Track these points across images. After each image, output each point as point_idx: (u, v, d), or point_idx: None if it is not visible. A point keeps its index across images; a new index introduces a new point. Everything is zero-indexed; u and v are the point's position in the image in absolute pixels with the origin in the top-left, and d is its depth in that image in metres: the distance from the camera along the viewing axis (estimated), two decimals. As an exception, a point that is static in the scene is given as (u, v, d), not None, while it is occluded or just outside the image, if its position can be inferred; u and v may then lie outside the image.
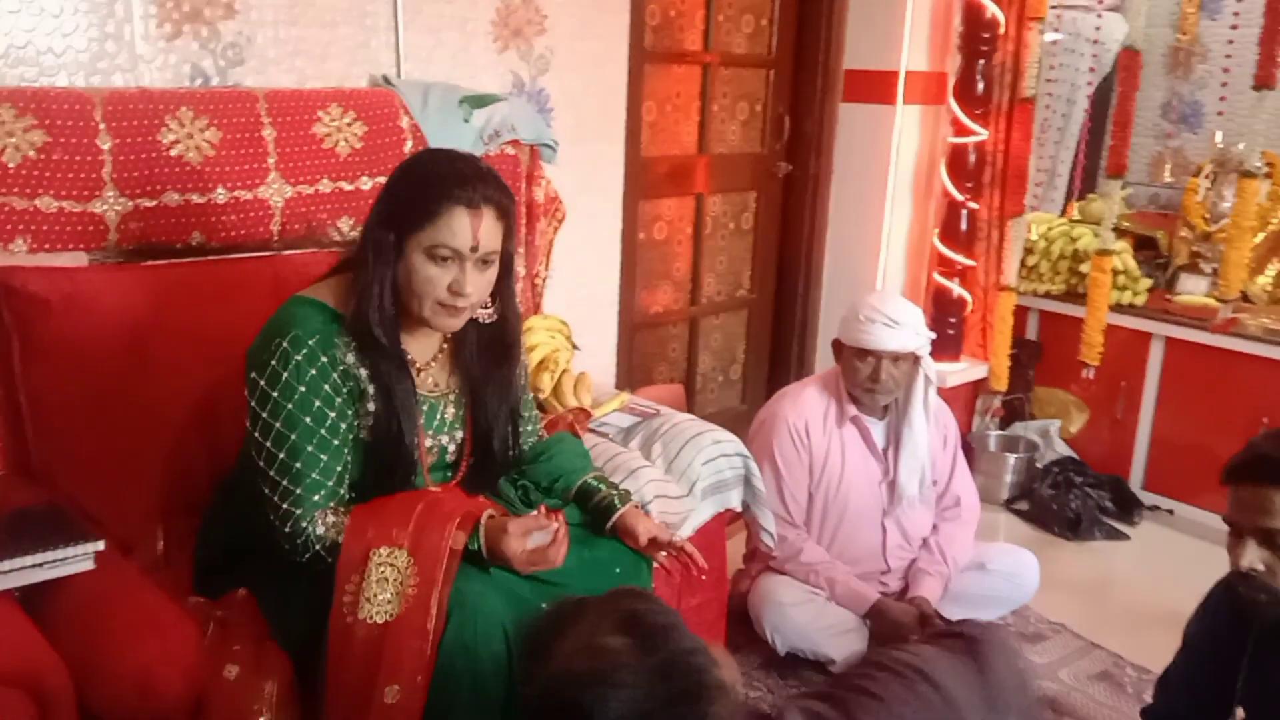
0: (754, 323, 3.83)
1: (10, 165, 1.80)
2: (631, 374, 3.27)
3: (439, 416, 1.71)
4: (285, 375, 1.55)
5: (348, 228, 2.22)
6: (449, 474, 1.77)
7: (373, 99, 2.29)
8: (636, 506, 1.81)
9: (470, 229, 1.55)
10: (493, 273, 1.63)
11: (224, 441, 1.86)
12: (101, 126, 1.90)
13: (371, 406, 1.62)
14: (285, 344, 1.55)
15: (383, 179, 2.18)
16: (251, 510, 1.63)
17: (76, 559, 1.51)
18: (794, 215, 3.76)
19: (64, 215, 1.87)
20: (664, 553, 1.79)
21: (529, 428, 1.89)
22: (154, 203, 1.97)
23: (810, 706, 1.24)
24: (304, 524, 1.56)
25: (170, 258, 1.99)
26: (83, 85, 2.01)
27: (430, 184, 1.56)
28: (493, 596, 1.51)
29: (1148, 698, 2.15)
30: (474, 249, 1.56)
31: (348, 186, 2.22)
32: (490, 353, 1.72)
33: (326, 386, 1.57)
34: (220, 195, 2.04)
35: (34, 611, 1.49)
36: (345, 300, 1.61)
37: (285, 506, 1.56)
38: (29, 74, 1.98)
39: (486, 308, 1.67)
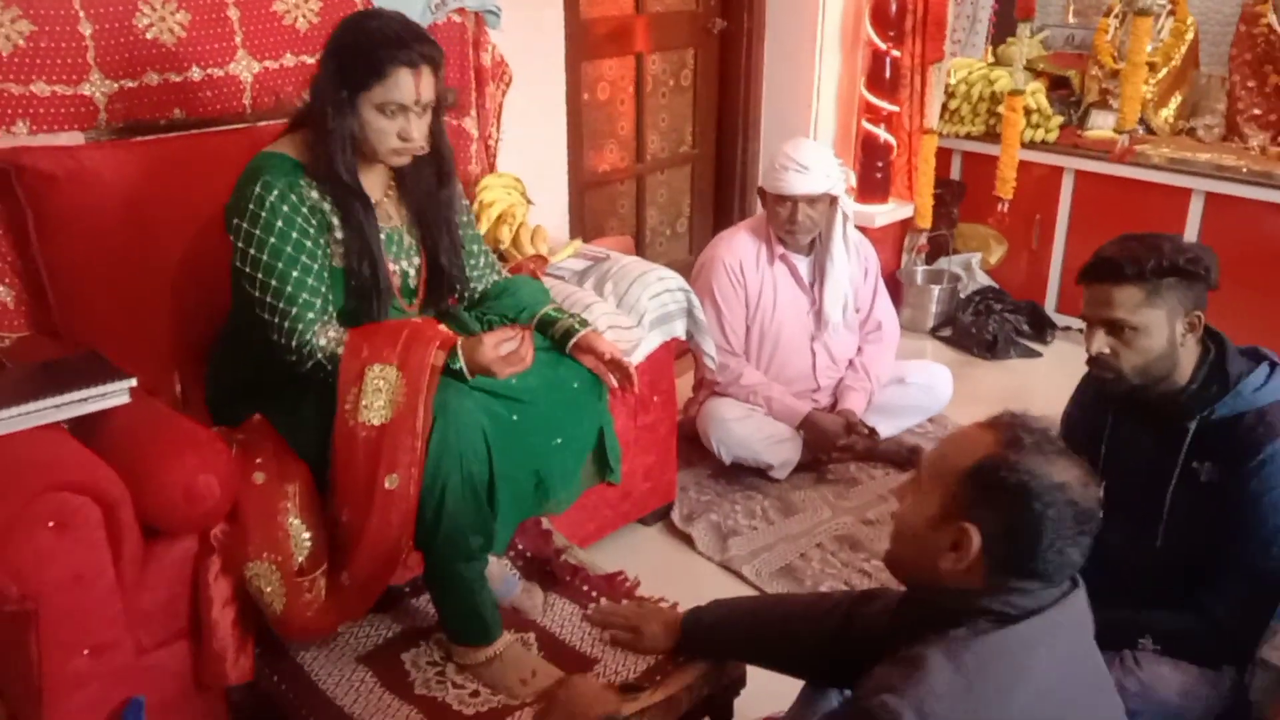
0: (697, 177, 4.06)
1: (3, 54, 1.97)
2: (585, 232, 3.51)
3: (396, 244, 1.96)
4: (263, 214, 1.77)
5: (313, 99, 2.42)
6: (412, 298, 2.02)
7: (325, -26, 2.45)
8: (595, 331, 2.09)
9: (413, 86, 1.79)
10: (429, 115, 1.87)
11: (220, 294, 2.08)
12: (80, 14, 2.06)
13: (340, 235, 1.85)
14: (258, 189, 1.78)
15: None
16: (251, 348, 1.88)
17: (116, 393, 1.77)
18: (730, 71, 3.95)
19: (57, 99, 2.05)
20: (616, 376, 2.07)
21: (487, 270, 2.14)
22: (136, 83, 2.15)
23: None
24: (307, 336, 1.80)
25: (155, 133, 2.18)
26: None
27: (375, 48, 1.78)
28: (470, 403, 1.79)
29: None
30: (417, 102, 1.81)
31: (309, 60, 2.39)
32: (430, 179, 1.97)
33: (299, 219, 1.80)
34: (195, 73, 2.23)
35: (82, 442, 1.76)
36: (304, 151, 1.83)
37: (285, 325, 1.80)
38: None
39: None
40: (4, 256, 2.04)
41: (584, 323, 2.06)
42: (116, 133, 2.14)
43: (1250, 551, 1.82)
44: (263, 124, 2.31)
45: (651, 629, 1.87)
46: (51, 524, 1.58)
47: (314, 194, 1.83)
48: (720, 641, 1.82)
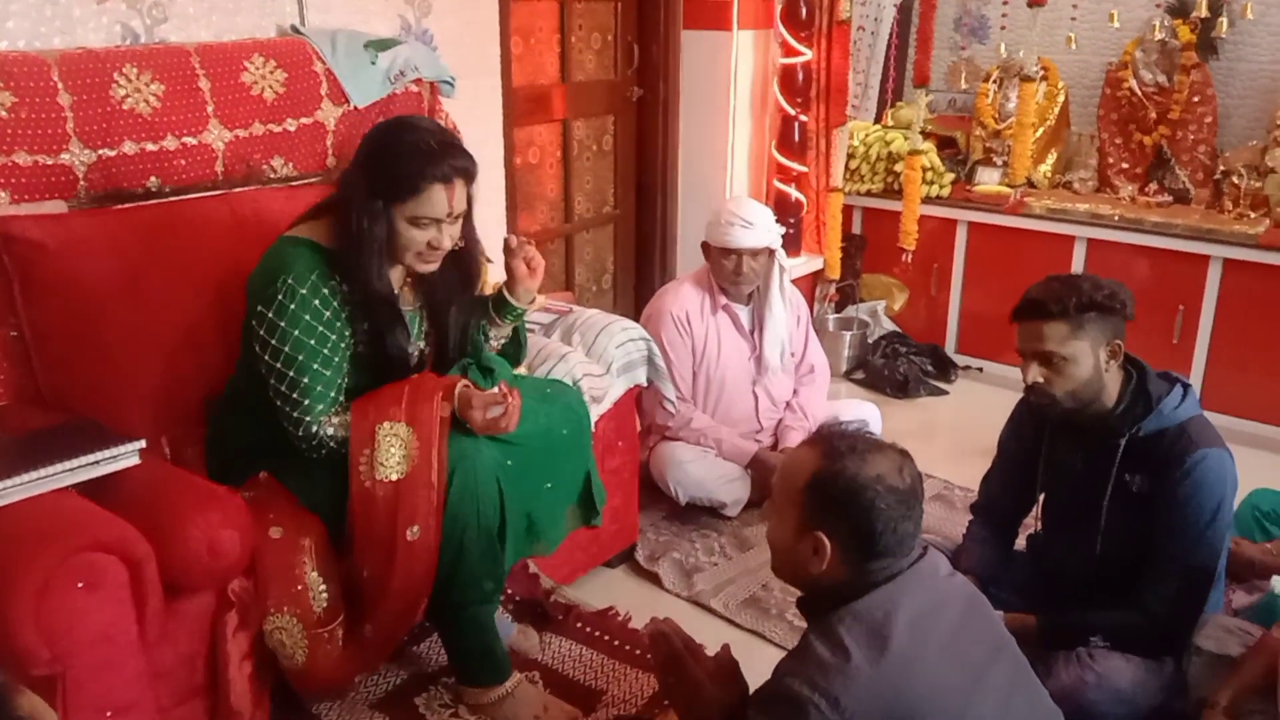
0: (620, 236, 4.23)
1: (-13, 125, 2.00)
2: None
3: (414, 328, 2.04)
4: (291, 307, 1.82)
5: (280, 165, 2.48)
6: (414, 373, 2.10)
7: (289, 48, 2.53)
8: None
9: (446, 201, 1.85)
10: (460, 222, 1.94)
11: (208, 358, 2.14)
12: (60, 85, 2.09)
13: (365, 326, 1.91)
14: (290, 280, 1.82)
15: (305, 120, 2.52)
16: (257, 418, 1.93)
17: (126, 455, 1.79)
18: (648, 136, 4.15)
19: (39, 168, 2.07)
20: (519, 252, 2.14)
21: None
22: (114, 152, 2.18)
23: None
24: (314, 428, 1.86)
25: (133, 201, 2.21)
26: (25, 49, 2.19)
27: (409, 161, 1.82)
28: (485, 451, 1.88)
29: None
30: (449, 215, 1.87)
31: (276, 129, 2.47)
32: (455, 276, 2.04)
33: (327, 314, 1.85)
34: (170, 142, 2.27)
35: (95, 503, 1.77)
36: (330, 238, 1.89)
37: (296, 415, 1.86)
38: (-25, 41, 2.15)
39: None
40: (-15, 326, 2.03)
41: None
42: (96, 200, 2.16)
43: (1181, 551, 2.06)
44: (237, 190, 2.37)
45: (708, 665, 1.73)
46: (81, 584, 1.60)
47: (341, 288, 1.89)
48: None
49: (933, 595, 1.51)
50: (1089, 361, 2.08)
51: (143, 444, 1.82)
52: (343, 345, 1.90)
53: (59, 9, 2.25)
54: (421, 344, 2.06)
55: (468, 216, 1.98)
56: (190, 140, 2.31)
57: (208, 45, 2.39)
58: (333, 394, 1.89)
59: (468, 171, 1.89)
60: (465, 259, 2.03)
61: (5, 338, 2.06)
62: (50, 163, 2.09)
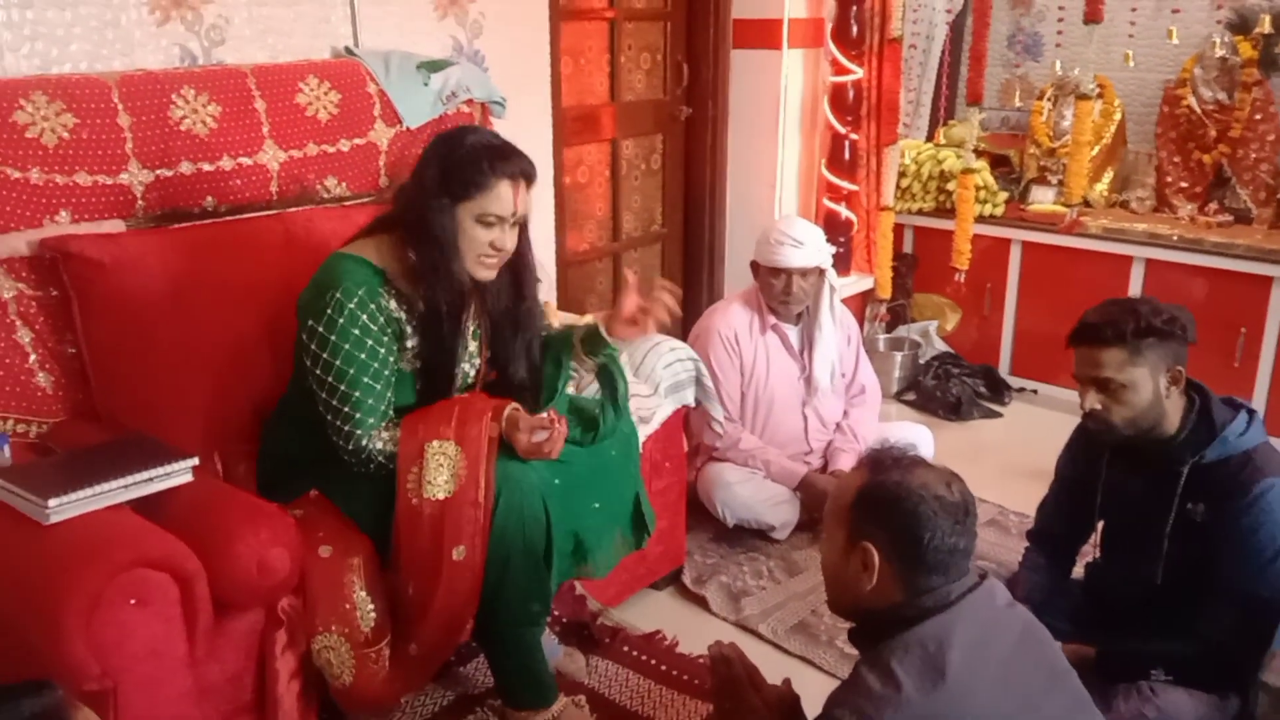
0: (668, 254, 4.22)
1: (49, 146, 2.03)
2: (568, 307, 3.62)
3: (463, 346, 2.03)
4: (341, 321, 1.82)
5: (333, 185, 2.51)
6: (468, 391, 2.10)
7: (343, 69, 2.56)
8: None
9: (512, 199, 1.86)
10: (518, 229, 1.95)
11: (260, 375, 2.16)
12: (120, 107, 2.13)
13: (410, 344, 1.92)
14: (339, 294, 1.83)
15: (359, 140, 2.54)
16: (306, 432, 1.94)
17: (180, 472, 1.81)
18: (696, 155, 4.15)
19: (98, 188, 2.11)
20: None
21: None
22: (171, 172, 2.21)
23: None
24: (364, 442, 1.86)
25: (189, 220, 2.25)
26: (87, 70, 2.23)
27: (480, 158, 1.84)
28: (532, 472, 1.87)
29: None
30: (513, 214, 1.88)
31: (330, 149, 2.49)
32: (510, 291, 2.04)
33: (375, 328, 1.85)
34: (226, 163, 2.30)
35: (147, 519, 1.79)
36: (387, 259, 1.90)
37: (346, 429, 1.86)
38: (39, 64, 2.19)
39: None
40: (45, 343, 2.06)
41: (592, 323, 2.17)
42: (153, 220, 2.20)
43: (1245, 582, 1.98)
44: (291, 210, 2.39)
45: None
46: (133, 601, 1.60)
47: (392, 304, 1.89)
48: None
49: (988, 624, 1.47)
50: (1148, 388, 2.02)
51: (196, 461, 1.83)
52: (391, 360, 1.90)
53: (120, 32, 2.30)
54: (466, 365, 2.05)
55: (523, 229, 1.98)
56: (246, 160, 2.34)
57: (263, 66, 2.42)
58: (382, 408, 1.89)
59: (531, 176, 1.91)
60: (519, 268, 2.03)
61: (64, 354, 2.09)
62: (110, 183, 2.12)
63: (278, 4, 2.57)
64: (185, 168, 2.24)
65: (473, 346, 2.06)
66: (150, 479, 1.78)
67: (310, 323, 1.86)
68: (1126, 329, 2.00)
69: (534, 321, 2.10)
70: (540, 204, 3.39)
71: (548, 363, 2.15)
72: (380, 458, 1.87)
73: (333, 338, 1.84)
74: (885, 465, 1.50)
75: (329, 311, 1.83)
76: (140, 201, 2.18)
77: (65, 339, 2.08)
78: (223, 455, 2.13)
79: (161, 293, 2.08)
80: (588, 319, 2.18)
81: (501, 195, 1.85)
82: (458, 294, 1.90)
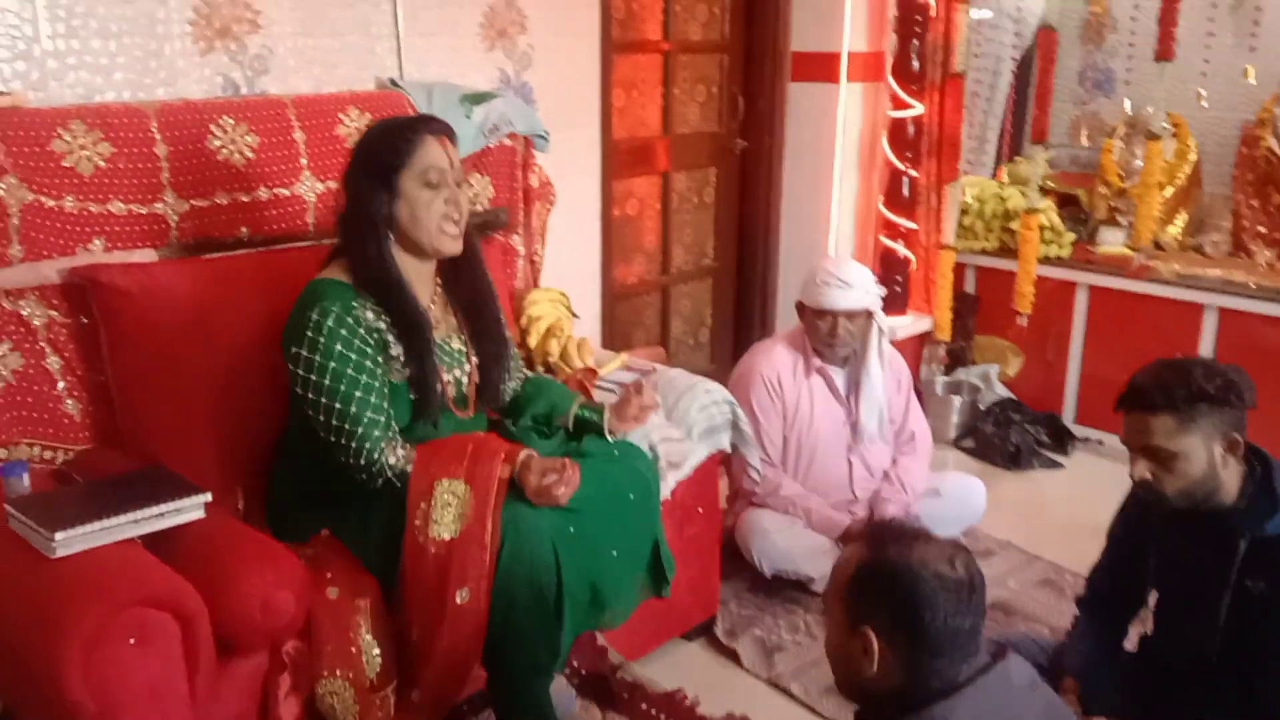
0: (719, 289, 4.15)
1: (85, 175, 2.04)
2: (614, 341, 3.58)
3: (447, 354, 2.00)
4: (321, 339, 1.82)
5: (370, 217, 2.49)
6: (466, 405, 2.06)
7: (385, 100, 2.55)
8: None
9: (443, 151, 1.91)
10: (465, 189, 1.97)
11: (285, 408, 2.13)
12: (157, 136, 2.14)
13: (394, 351, 1.90)
14: (314, 314, 1.83)
15: None
16: (308, 460, 1.91)
17: (191, 508, 1.78)
18: (751, 188, 4.08)
19: (133, 217, 2.11)
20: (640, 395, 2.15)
21: (517, 373, 2.20)
22: (207, 202, 2.22)
23: None
24: (375, 455, 1.83)
25: (223, 250, 2.24)
26: (129, 99, 2.25)
27: (393, 130, 1.91)
28: (543, 518, 1.81)
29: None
30: (451, 167, 1.91)
31: (369, 180, 2.49)
32: (467, 277, 2.06)
33: (356, 340, 1.85)
34: (262, 193, 2.30)
35: (155, 555, 1.76)
36: (352, 275, 1.90)
37: (353, 445, 1.83)
38: (83, 92, 2.22)
39: None
40: (74, 370, 2.07)
41: (601, 408, 2.16)
42: (187, 250, 2.19)
43: (1308, 660, 1.84)
44: (326, 242, 2.37)
45: None
46: (132, 640, 1.58)
47: (369, 314, 1.88)
48: None
49: (1001, 708, 1.38)
50: (1202, 457, 1.88)
51: (208, 497, 1.81)
52: (379, 371, 1.88)
53: (163, 60, 2.32)
54: (457, 373, 2.03)
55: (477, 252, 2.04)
56: (283, 191, 2.33)
57: (304, 97, 2.42)
58: (383, 419, 1.86)
59: (450, 132, 1.95)
60: (468, 251, 2.02)
61: (93, 382, 2.10)
62: (144, 212, 2.13)
63: (324, 34, 2.58)
64: (221, 198, 2.24)
65: (456, 348, 2.04)
66: (161, 514, 1.76)
67: (294, 349, 1.85)
68: (1177, 395, 1.87)
69: (502, 330, 2.12)
70: (587, 237, 3.36)
71: (537, 404, 2.16)
72: (391, 474, 1.84)
73: (318, 358, 1.83)
74: (883, 541, 1.41)
75: (309, 333, 1.83)
76: (174, 231, 2.18)
77: (94, 367, 2.09)
78: (245, 490, 2.11)
79: (190, 323, 2.08)
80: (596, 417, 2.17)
81: (431, 149, 1.90)
82: (401, 289, 1.91)
